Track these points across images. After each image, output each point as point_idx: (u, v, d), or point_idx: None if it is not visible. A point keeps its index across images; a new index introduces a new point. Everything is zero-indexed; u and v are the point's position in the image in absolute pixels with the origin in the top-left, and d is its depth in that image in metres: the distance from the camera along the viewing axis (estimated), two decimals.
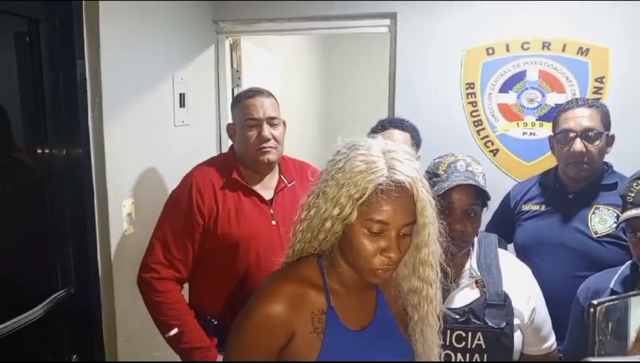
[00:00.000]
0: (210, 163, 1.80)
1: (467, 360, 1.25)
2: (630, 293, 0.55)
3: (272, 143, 1.72)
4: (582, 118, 1.68)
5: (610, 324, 0.53)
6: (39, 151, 1.64)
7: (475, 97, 2.43)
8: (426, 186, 1.00)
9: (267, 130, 1.71)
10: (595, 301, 0.53)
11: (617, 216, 1.67)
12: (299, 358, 1.01)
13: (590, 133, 1.67)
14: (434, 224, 1.01)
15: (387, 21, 2.51)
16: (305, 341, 1.00)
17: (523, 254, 1.80)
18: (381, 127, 1.87)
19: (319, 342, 1.00)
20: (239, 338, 1.03)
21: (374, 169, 0.96)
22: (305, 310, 1.01)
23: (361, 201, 0.95)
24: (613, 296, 0.54)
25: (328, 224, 0.99)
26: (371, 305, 1.10)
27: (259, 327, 0.99)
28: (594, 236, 1.67)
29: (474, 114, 2.44)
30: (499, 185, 2.11)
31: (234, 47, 2.72)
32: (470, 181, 1.25)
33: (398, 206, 0.95)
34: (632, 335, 0.54)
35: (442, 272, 1.09)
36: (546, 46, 2.34)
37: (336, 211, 0.97)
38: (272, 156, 1.72)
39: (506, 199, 1.98)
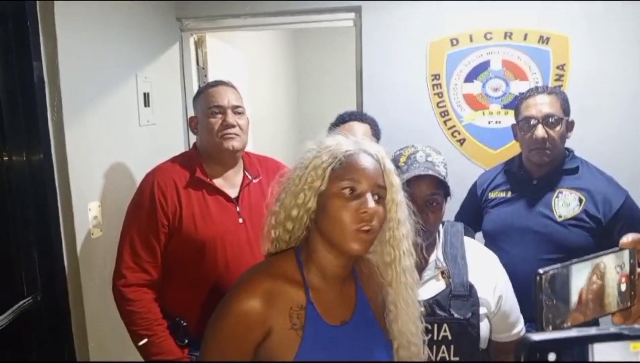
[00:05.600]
0: (172, 161, 1.76)
1: (434, 352, 1.25)
2: (573, 261, 0.60)
3: (236, 130, 1.69)
4: (542, 105, 1.72)
5: (554, 290, 0.58)
6: None
7: (441, 88, 2.46)
8: (391, 163, 1.07)
9: (231, 117, 1.70)
10: (540, 270, 0.58)
11: (580, 200, 1.71)
12: (278, 355, 0.99)
13: (550, 119, 1.70)
14: (402, 192, 1.07)
15: (352, 15, 2.52)
16: (284, 337, 0.99)
17: (491, 240, 1.83)
18: (341, 120, 1.88)
19: (298, 338, 0.99)
20: (215, 333, 1.01)
21: (343, 143, 1.05)
22: (282, 306, 1.00)
23: (332, 165, 1.01)
24: (557, 264, 0.58)
25: (301, 195, 1.02)
26: (351, 300, 1.09)
27: (235, 322, 0.98)
28: (558, 219, 1.71)
29: (440, 104, 2.47)
30: (466, 174, 2.15)
31: (199, 44, 2.69)
32: (430, 171, 1.26)
33: (368, 167, 1.01)
34: (574, 300, 0.59)
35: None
36: (508, 35, 2.38)
37: (310, 178, 1.01)
38: (236, 143, 1.69)
39: (473, 188, 2.01)
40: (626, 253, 0.62)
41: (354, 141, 1.07)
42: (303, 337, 0.99)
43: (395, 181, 1.05)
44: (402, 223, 1.06)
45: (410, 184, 1.25)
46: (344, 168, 1.00)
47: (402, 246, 1.06)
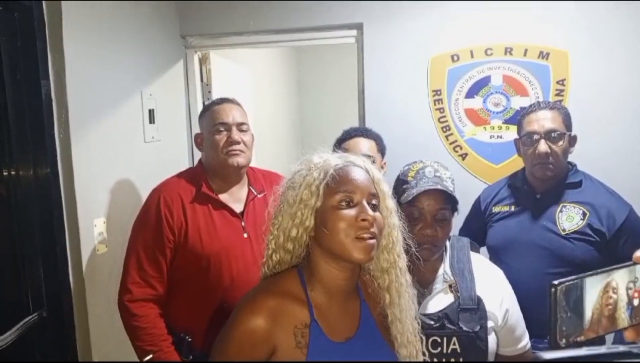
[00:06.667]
0: (177, 177, 1.77)
1: None
2: (587, 273, 0.60)
3: (241, 146, 1.72)
4: (545, 120, 1.73)
5: (569, 302, 0.57)
6: (5, 173, 1.61)
7: (442, 103, 2.48)
8: (379, 173, 1.11)
9: (236, 133, 1.72)
10: (555, 282, 0.57)
11: (583, 213, 1.72)
12: None
13: (553, 134, 1.72)
14: (392, 199, 1.10)
15: (354, 32, 2.55)
16: (288, 356, 0.99)
17: (495, 255, 1.83)
18: (346, 136, 1.90)
19: (303, 357, 0.99)
20: (221, 352, 1.02)
21: (330, 158, 1.09)
22: (287, 324, 1.00)
23: (325, 180, 1.03)
24: (571, 277, 0.58)
25: (298, 214, 1.03)
26: (356, 315, 1.09)
27: (241, 341, 0.99)
28: (562, 233, 1.71)
29: (442, 120, 2.49)
30: (468, 189, 2.16)
31: (203, 61, 2.72)
32: (439, 186, 1.27)
33: (359, 176, 1.05)
34: (588, 314, 0.59)
35: (417, 280, 1.13)
36: (508, 51, 2.41)
37: (304, 196, 1.03)
38: (241, 160, 1.72)
39: (477, 202, 2.01)
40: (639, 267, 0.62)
41: (339, 155, 1.09)
42: (308, 356, 0.99)
43: (386, 188, 1.09)
44: (396, 228, 1.09)
45: (419, 199, 1.27)
46: (337, 182, 1.02)
47: (397, 249, 1.09)
